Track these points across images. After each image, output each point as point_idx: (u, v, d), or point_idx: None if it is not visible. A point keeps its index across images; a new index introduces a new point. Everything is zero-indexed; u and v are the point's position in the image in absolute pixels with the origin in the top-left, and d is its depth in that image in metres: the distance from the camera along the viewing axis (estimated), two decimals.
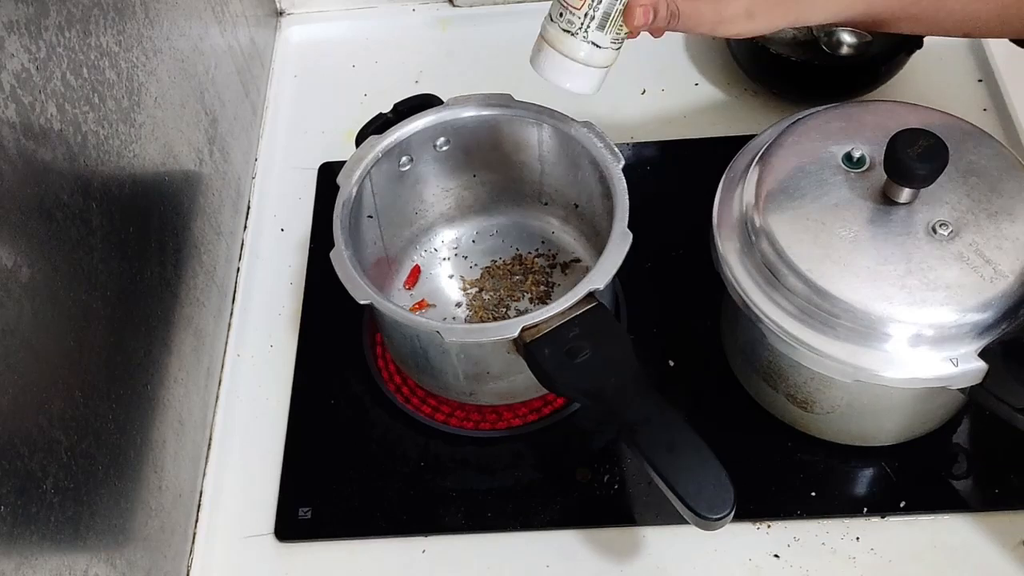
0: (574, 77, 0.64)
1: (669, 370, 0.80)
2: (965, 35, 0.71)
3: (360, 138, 0.76)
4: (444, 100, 0.78)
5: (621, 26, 0.63)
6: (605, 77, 0.65)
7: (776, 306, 0.65)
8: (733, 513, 0.59)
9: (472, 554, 0.74)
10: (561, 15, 0.63)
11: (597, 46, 0.63)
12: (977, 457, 0.74)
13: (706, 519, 0.59)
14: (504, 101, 0.76)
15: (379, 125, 0.77)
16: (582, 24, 0.62)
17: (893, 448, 0.74)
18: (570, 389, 0.65)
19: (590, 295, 0.66)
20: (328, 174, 0.94)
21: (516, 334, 0.65)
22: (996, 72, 0.95)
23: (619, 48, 0.64)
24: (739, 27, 0.64)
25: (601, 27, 0.62)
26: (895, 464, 0.75)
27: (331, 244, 0.70)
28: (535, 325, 0.65)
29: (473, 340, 0.67)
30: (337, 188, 0.74)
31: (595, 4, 0.61)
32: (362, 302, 0.68)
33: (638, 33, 0.64)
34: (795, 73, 0.92)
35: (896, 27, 0.69)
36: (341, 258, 0.70)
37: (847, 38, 0.94)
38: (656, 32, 0.64)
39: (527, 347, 0.65)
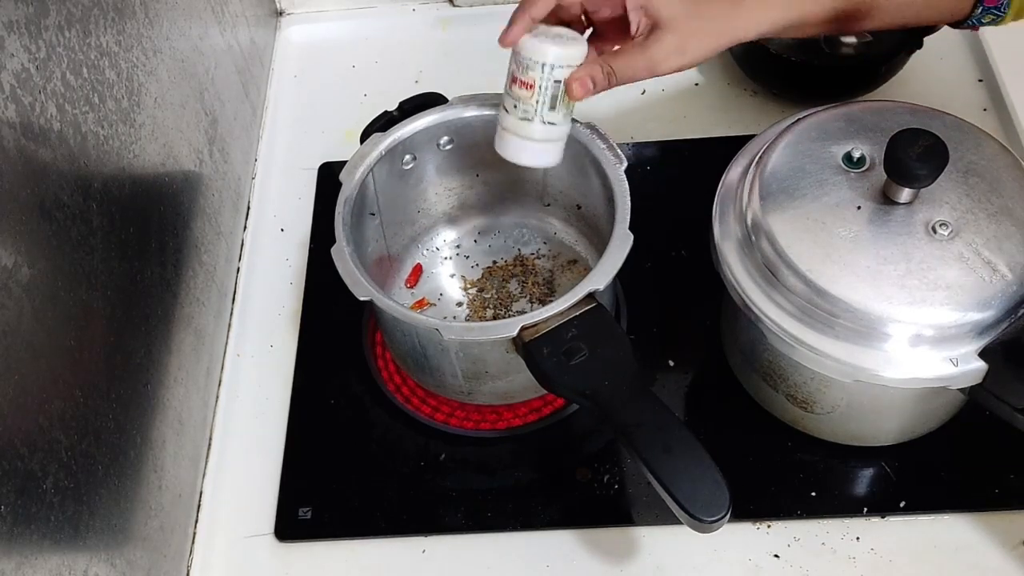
0: (539, 155, 0.70)
1: (669, 370, 0.80)
2: (902, 26, 0.72)
3: (365, 135, 0.76)
4: (448, 99, 0.78)
5: (568, 100, 0.68)
6: (563, 147, 0.71)
7: (776, 306, 0.65)
8: (728, 516, 0.59)
9: (472, 554, 0.74)
10: (515, 107, 0.69)
11: (553, 124, 0.69)
12: (977, 457, 0.74)
13: (701, 521, 0.59)
14: None
15: (384, 123, 0.77)
16: (535, 110, 0.68)
17: (893, 448, 0.74)
18: (567, 389, 0.65)
19: (590, 296, 0.66)
20: (328, 174, 0.95)
21: (515, 333, 0.65)
22: (996, 72, 0.95)
23: (570, 118, 0.70)
24: (673, 63, 0.66)
25: (552, 107, 0.68)
26: (895, 464, 0.75)
27: (331, 243, 0.70)
28: (534, 325, 0.65)
29: (472, 339, 0.67)
30: (338, 186, 0.74)
31: (542, 92, 0.67)
32: (362, 298, 0.68)
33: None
34: (795, 73, 0.93)
35: (833, 28, 0.70)
36: (342, 254, 0.70)
37: (847, 38, 0.94)
38: (600, 92, 0.68)
39: (526, 347, 0.65)
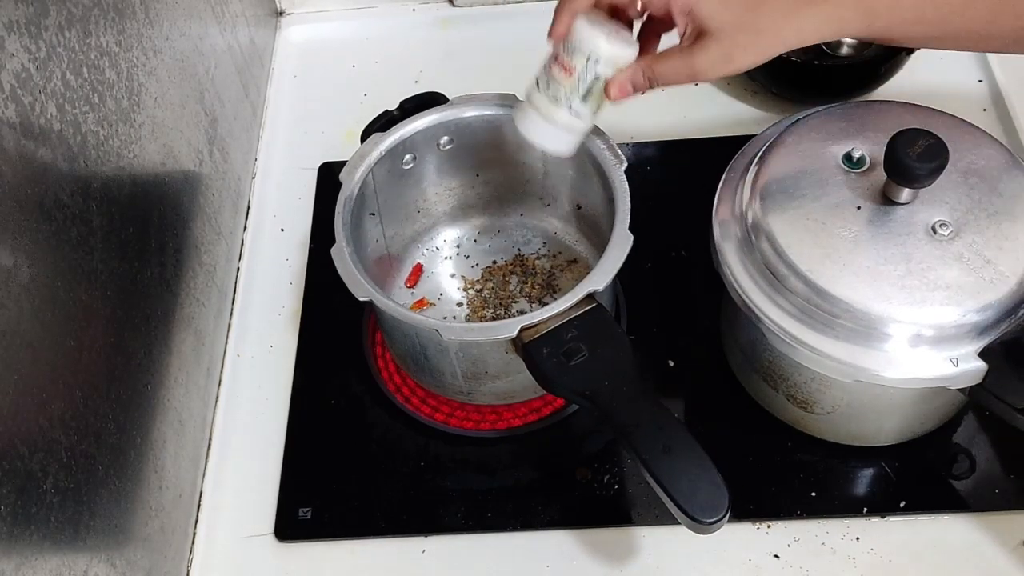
0: (555, 140, 0.69)
1: (669, 370, 0.80)
2: (985, 51, 0.68)
3: (365, 135, 0.76)
4: (449, 99, 0.78)
5: (601, 98, 0.67)
6: (579, 143, 0.70)
7: (776, 306, 0.65)
8: (727, 517, 0.59)
9: (472, 554, 0.74)
10: (548, 85, 0.67)
11: (578, 115, 0.67)
12: (977, 457, 0.74)
13: (700, 522, 0.59)
14: (508, 101, 0.76)
15: (384, 123, 0.77)
16: (567, 95, 0.66)
17: (893, 448, 0.74)
18: (567, 390, 0.65)
19: (589, 296, 0.66)
20: (328, 174, 0.95)
21: (515, 334, 0.65)
22: (996, 72, 0.95)
23: (595, 117, 0.69)
24: (719, 72, 0.64)
25: (584, 99, 0.66)
26: (895, 464, 0.75)
27: (331, 243, 0.70)
28: (534, 325, 0.65)
29: (472, 339, 0.67)
30: (338, 186, 0.73)
31: (580, 81, 0.65)
32: (362, 299, 0.68)
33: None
34: (795, 73, 0.92)
35: (900, 43, 0.67)
36: (342, 254, 0.70)
37: (847, 38, 0.94)
38: (640, 94, 0.66)
39: (525, 347, 0.65)
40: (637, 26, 0.68)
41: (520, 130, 0.69)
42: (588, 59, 0.64)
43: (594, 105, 0.67)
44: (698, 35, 0.63)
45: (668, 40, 0.67)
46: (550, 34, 0.66)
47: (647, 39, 0.69)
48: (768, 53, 0.64)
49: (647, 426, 0.61)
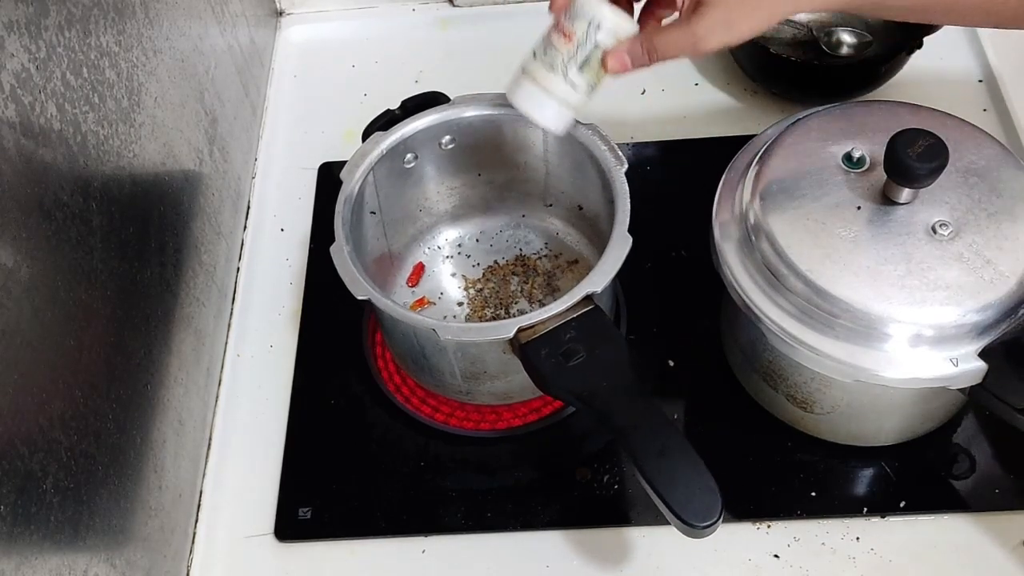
0: (548, 113, 0.68)
1: (669, 370, 0.80)
2: (994, 26, 0.68)
3: (367, 134, 0.76)
4: (451, 98, 0.78)
5: (599, 71, 0.66)
6: (572, 121, 0.69)
7: (776, 306, 0.65)
8: (720, 522, 0.59)
9: (472, 554, 0.74)
10: (546, 52, 0.66)
11: (573, 86, 0.66)
12: (977, 457, 0.74)
13: (693, 527, 0.59)
14: (510, 101, 0.76)
15: (385, 122, 0.77)
16: (564, 63, 0.65)
17: (893, 448, 0.74)
18: (564, 391, 0.64)
19: (588, 298, 0.66)
20: (328, 174, 0.95)
21: (512, 334, 0.65)
22: (996, 72, 0.95)
23: (591, 94, 0.67)
24: (719, 39, 0.63)
25: (581, 69, 0.65)
26: (895, 464, 0.75)
27: (331, 243, 0.70)
28: (531, 326, 0.65)
29: (469, 339, 0.67)
30: (338, 186, 0.73)
31: (579, 47, 0.64)
32: (360, 298, 0.68)
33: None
34: (795, 73, 0.93)
35: (903, 17, 0.67)
36: (341, 253, 0.70)
37: (847, 38, 0.94)
38: (639, 69, 0.65)
39: (523, 348, 0.65)
40: (637, 9, 0.68)
41: (512, 101, 0.68)
42: (589, 24, 0.64)
43: (591, 77, 0.66)
44: (697, 5, 0.63)
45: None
46: (551, 6, 0.65)
47: (645, 22, 0.68)
48: (768, 21, 0.63)
49: (643, 429, 0.61)
